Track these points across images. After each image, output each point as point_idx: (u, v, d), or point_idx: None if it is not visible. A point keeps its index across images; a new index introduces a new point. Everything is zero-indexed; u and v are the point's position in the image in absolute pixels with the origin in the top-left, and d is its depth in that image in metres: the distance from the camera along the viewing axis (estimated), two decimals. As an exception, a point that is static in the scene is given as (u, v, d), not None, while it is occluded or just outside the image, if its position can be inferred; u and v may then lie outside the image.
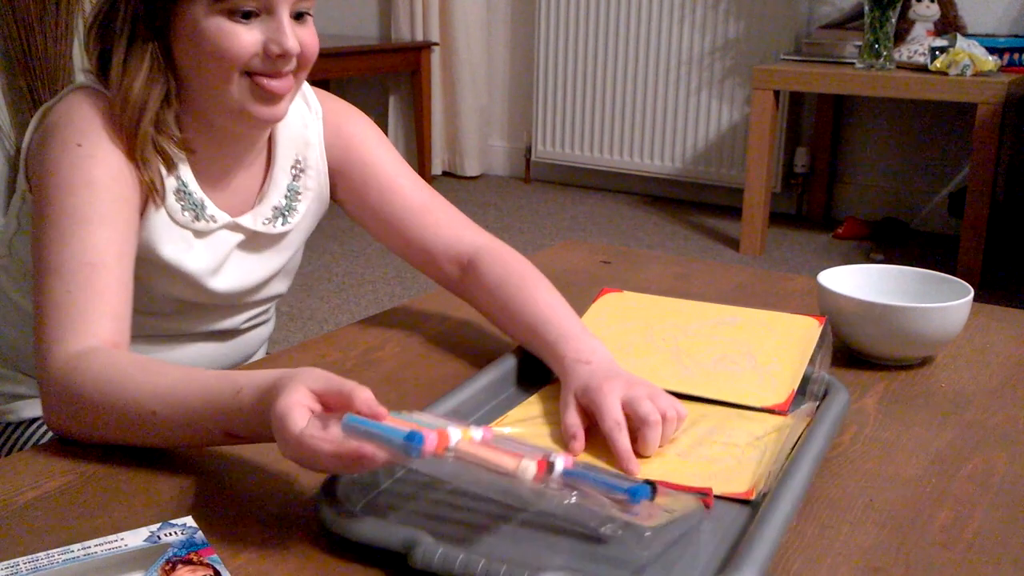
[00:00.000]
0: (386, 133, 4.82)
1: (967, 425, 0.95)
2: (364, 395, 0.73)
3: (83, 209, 0.93)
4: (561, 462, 0.74)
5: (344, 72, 4.51)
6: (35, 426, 1.12)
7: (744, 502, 0.80)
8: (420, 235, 1.13)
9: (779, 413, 0.94)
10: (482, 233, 1.15)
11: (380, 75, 4.81)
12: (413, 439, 0.69)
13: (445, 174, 4.82)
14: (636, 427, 0.86)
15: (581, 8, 4.33)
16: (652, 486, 0.74)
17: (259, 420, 0.77)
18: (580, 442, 0.87)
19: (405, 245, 1.14)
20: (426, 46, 4.56)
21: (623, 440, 0.85)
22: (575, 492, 0.70)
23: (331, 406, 0.74)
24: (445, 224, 1.14)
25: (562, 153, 4.53)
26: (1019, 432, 0.94)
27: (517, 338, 1.05)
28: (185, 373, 0.86)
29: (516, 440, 0.78)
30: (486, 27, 4.65)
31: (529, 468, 0.71)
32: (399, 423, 0.72)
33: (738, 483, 0.82)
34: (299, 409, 0.72)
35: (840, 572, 0.71)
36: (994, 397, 1.02)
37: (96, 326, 0.90)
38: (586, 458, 0.86)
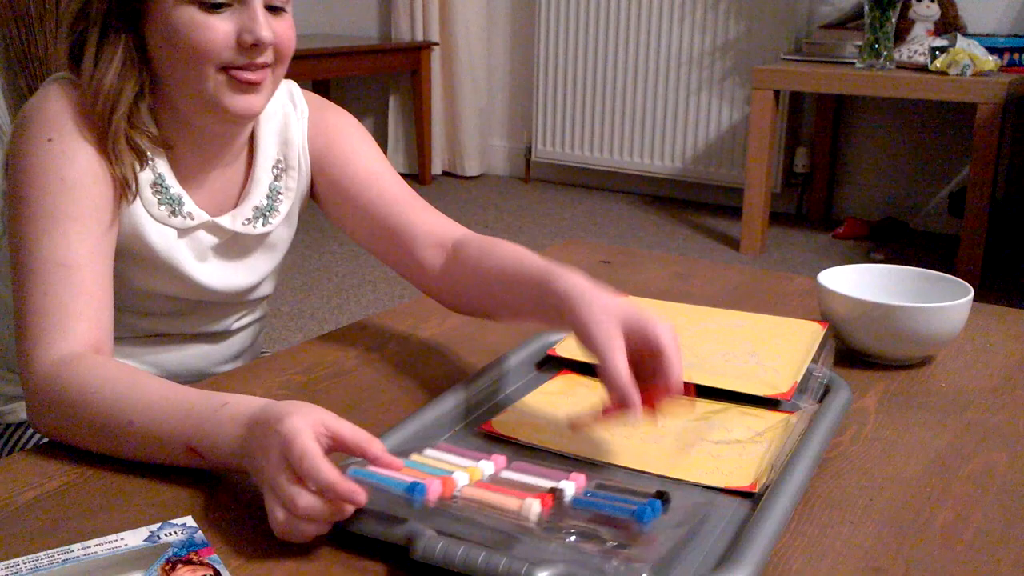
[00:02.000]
0: (386, 133, 4.85)
1: (967, 425, 0.95)
2: (378, 446, 0.73)
3: (56, 208, 0.92)
4: (571, 488, 0.74)
5: (344, 72, 4.52)
6: (35, 426, 1.12)
7: (747, 495, 0.80)
8: (405, 221, 1.08)
9: (782, 411, 0.94)
10: (462, 227, 1.11)
11: (380, 75, 4.81)
12: (414, 491, 0.69)
13: (445, 174, 4.82)
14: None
15: (581, 8, 4.33)
16: (664, 497, 0.74)
17: (230, 436, 0.77)
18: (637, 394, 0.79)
19: (387, 234, 1.09)
20: (426, 46, 4.56)
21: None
22: (574, 531, 0.69)
23: (332, 448, 0.74)
24: (427, 213, 1.10)
25: (562, 153, 4.53)
26: (1019, 432, 0.94)
27: (511, 305, 0.99)
28: (171, 386, 0.85)
29: (530, 468, 0.78)
30: (486, 27, 4.65)
31: (533, 507, 0.70)
32: (409, 472, 0.73)
33: (742, 477, 0.82)
34: (312, 443, 0.71)
35: (840, 572, 0.71)
36: (994, 397, 1.02)
37: (76, 328, 0.89)
38: (612, 446, 0.86)
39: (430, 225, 1.09)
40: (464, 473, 0.74)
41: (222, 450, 0.78)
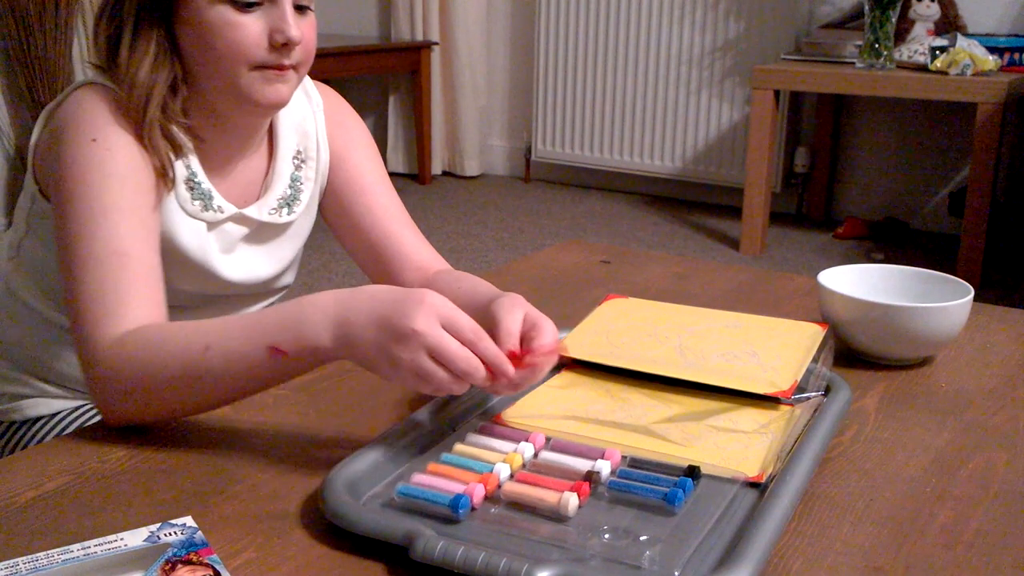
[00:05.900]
0: (386, 133, 4.85)
1: (967, 425, 0.95)
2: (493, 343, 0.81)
3: (105, 201, 0.94)
4: (607, 468, 0.80)
5: (344, 72, 4.51)
6: (39, 425, 1.13)
7: (753, 485, 0.80)
8: (395, 242, 1.16)
9: (785, 403, 0.94)
10: (443, 259, 1.20)
11: (380, 75, 4.81)
12: (458, 505, 0.73)
13: (445, 174, 4.82)
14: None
15: (581, 8, 4.33)
16: (695, 474, 0.79)
17: (322, 315, 0.81)
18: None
19: (375, 251, 1.17)
20: (426, 46, 4.56)
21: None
22: (607, 531, 0.72)
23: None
24: (415, 237, 1.19)
25: (562, 153, 4.54)
26: (1019, 432, 0.94)
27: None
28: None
29: (568, 446, 0.84)
30: (486, 27, 4.65)
31: (571, 501, 0.74)
32: (449, 471, 0.78)
33: (748, 467, 0.82)
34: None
35: (840, 572, 0.71)
36: (994, 397, 1.02)
37: (135, 311, 0.91)
38: (624, 436, 0.88)
39: (416, 250, 1.17)
40: (504, 464, 0.79)
41: (312, 331, 0.81)
